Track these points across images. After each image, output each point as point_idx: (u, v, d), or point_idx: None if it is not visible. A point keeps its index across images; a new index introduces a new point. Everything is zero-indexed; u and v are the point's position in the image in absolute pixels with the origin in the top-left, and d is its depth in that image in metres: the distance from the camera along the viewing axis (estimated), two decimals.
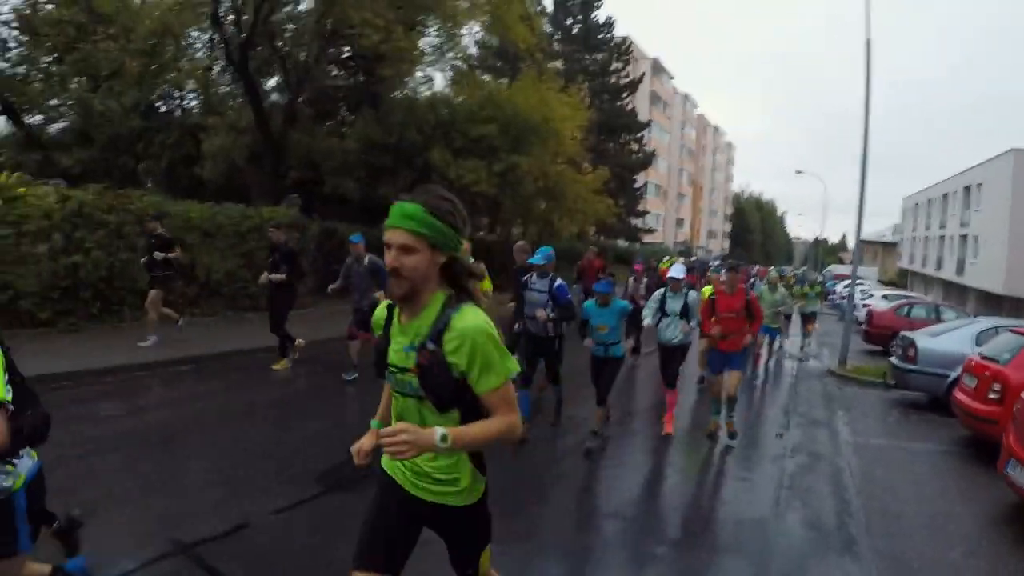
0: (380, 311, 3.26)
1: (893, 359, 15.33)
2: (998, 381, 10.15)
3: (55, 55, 22.79)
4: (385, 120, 24.28)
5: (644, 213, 60.54)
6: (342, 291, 12.13)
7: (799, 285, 22.53)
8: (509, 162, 24.34)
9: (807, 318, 21.33)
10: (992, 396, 10.16)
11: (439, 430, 2.76)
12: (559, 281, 9.51)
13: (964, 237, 49.81)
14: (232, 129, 26.27)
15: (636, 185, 54.73)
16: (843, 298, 29.58)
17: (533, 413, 9.92)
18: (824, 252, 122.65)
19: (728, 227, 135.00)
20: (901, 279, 72.62)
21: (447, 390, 2.94)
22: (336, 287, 12.11)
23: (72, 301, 13.57)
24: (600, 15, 50.51)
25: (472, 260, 11.45)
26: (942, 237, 56.59)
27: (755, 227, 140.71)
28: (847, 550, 6.69)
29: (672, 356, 10.59)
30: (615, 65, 50.84)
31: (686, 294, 10.32)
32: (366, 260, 11.69)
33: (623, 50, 51.46)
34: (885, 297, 29.17)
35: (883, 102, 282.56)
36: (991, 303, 40.99)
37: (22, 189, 13.03)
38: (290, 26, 24.98)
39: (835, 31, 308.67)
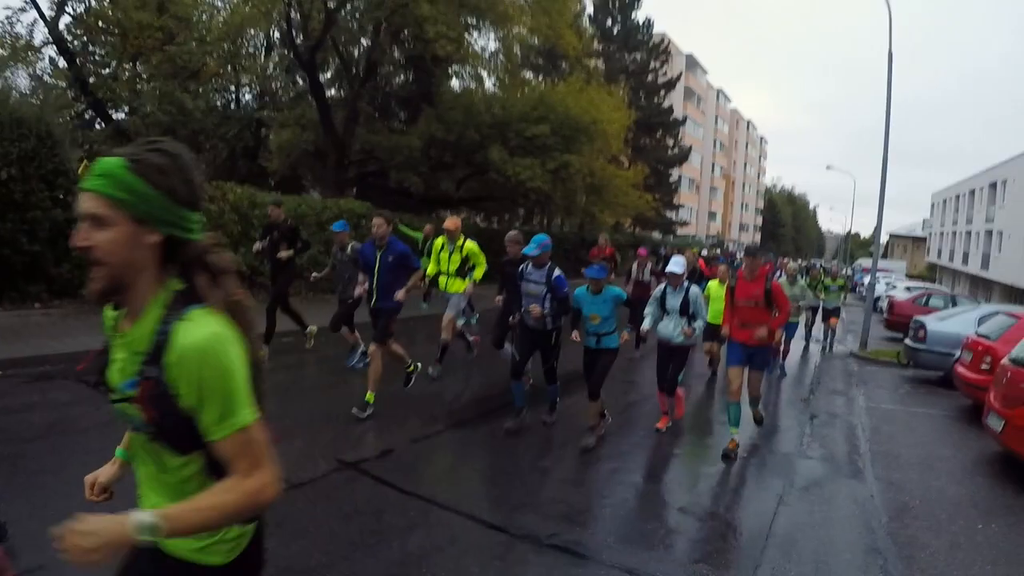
0: (107, 311, 2.37)
1: (907, 340, 17.26)
2: (988, 354, 12.03)
3: (138, 54, 24.30)
4: (445, 119, 26.17)
5: (679, 207, 62.28)
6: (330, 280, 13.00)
7: (828, 278, 20.08)
8: (561, 160, 26.21)
9: (829, 313, 19.78)
10: (983, 367, 12.02)
11: (142, 518, 1.91)
12: (557, 272, 9.14)
13: (989, 232, 50.65)
14: (296, 124, 28.25)
15: (671, 179, 56.24)
16: (872, 292, 30.79)
17: (529, 402, 9.62)
18: (855, 246, 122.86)
19: (759, 220, 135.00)
20: (930, 273, 72.91)
21: (179, 431, 2.11)
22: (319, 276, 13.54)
23: None
24: (639, 16, 52.31)
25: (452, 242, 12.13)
26: (968, 232, 57.61)
27: (786, 221, 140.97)
28: (854, 476, 8.66)
29: (671, 356, 9.91)
30: (653, 64, 52.49)
31: (687, 289, 9.64)
32: (348, 248, 11.73)
33: (661, 50, 53.07)
34: (908, 289, 30.73)
35: (931, 93, 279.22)
36: (1015, 296, 41.92)
37: None
38: (352, 26, 26.90)
39: (873, 27, 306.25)
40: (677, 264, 9.56)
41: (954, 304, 24.42)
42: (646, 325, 9.67)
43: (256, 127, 28.53)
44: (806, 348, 20.17)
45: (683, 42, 71.70)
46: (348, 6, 24.67)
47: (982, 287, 50.91)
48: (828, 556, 6.15)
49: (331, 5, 23.42)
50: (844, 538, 6.64)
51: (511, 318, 10.69)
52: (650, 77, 52.32)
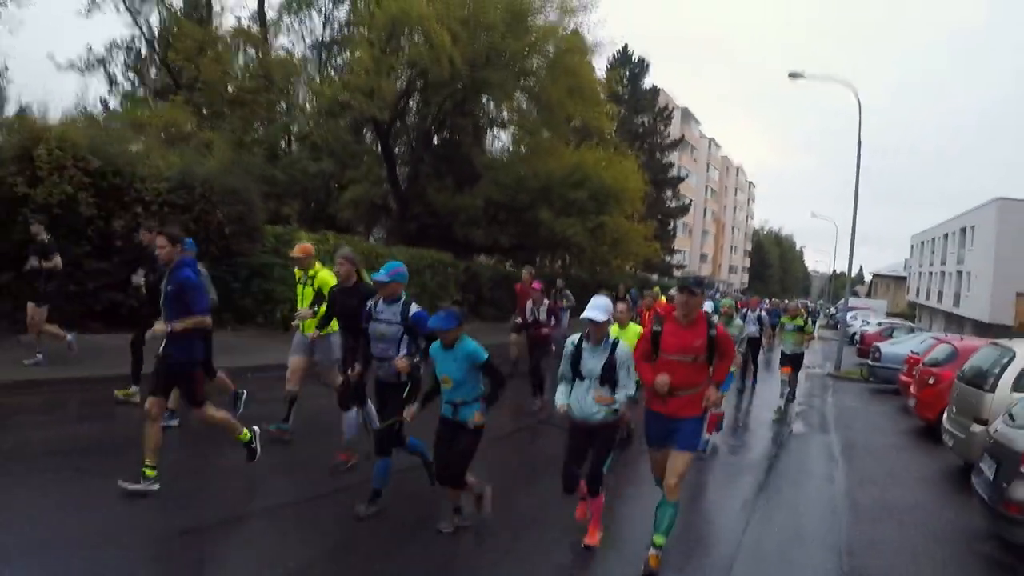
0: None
1: (868, 361, 23.16)
2: (917, 363, 17.59)
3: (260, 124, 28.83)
4: (499, 182, 32.05)
5: (677, 251, 68.46)
6: None
7: (785, 316, 18.40)
8: (598, 220, 32.23)
9: (786, 360, 16.71)
10: (913, 372, 17.54)
11: None
12: (415, 308, 7.11)
13: (960, 273, 56.15)
14: (366, 180, 34.00)
15: (669, 227, 62.01)
16: (845, 324, 35.81)
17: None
18: (839, 286, 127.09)
19: (748, 262, 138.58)
20: (910, 311, 76.98)
21: None
22: None
23: None
24: (646, 82, 58.40)
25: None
26: (943, 273, 62.85)
27: (774, 261, 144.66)
28: (823, 432, 14.50)
29: (589, 440, 6.72)
30: (659, 127, 58.95)
31: (613, 345, 6.60)
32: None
33: (665, 114, 59.64)
34: (878, 324, 36.30)
35: (926, 130, 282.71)
36: (982, 331, 45.21)
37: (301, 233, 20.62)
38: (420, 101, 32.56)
39: (862, 68, 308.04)
40: (597, 309, 6.46)
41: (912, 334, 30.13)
42: (559, 400, 6.74)
43: (328, 182, 33.61)
44: (740, 402, 17.62)
45: (676, 93, 77.05)
46: (422, 81, 29.99)
47: (955, 323, 54.56)
48: (809, 463, 11.83)
49: (415, 84, 29.21)
50: (816, 454, 12.43)
51: (347, 371, 7.98)
52: (656, 138, 58.53)
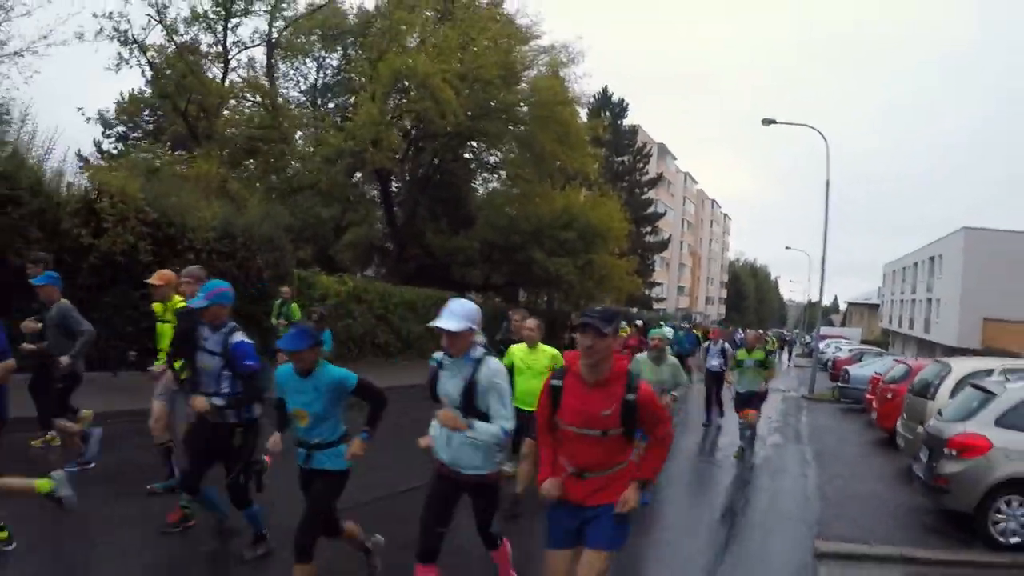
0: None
1: (838, 383, 25.18)
2: (879, 382, 19.56)
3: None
4: (493, 224, 34.29)
5: (657, 284, 70.86)
6: None
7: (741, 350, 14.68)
8: (587, 259, 34.44)
9: (743, 402, 13.94)
10: (876, 390, 19.53)
11: None
12: (238, 336, 6.16)
13: (930, 300, 58.76)
14: (365, 223, 36.12)
15: (648, 261, 63.97)
16: (818, 351, 37.69)
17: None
18: (814, 315, 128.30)
19: (724, 293, 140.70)
20: (884, 338, 78.79)
21: None
22: None
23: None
24: (625, 121, 61.14)
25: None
26: (914, 300, 65.37)
27: (749, 292, 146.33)
28: (797, 443, 16.62)
29: (457, 492, 5.26)
30: (638, 165, 61.59)
31: (477, 363, 4.99)
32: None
33: (644, 153, 62.38)
34: (850, 350, 38.29)
35: (902, 156, 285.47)
36: (950, 354, 48.13)
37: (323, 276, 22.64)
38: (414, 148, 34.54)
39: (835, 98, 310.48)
40: (448, 316, 4.82)
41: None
42: (430, 432, 5.35)
43: (335, 229, 35.41)
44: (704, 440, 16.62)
45: (652, 128, 79.07)
46: (416, 131, 32.16)
47: (927, 349, 55.71)
48: (786, 465, 13.84)
49: (412, 134, 31.25)
50: (791, 459, 14.44)
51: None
52: (636, 176, 61.04)
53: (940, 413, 10.47)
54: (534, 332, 8.82)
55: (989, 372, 13.31)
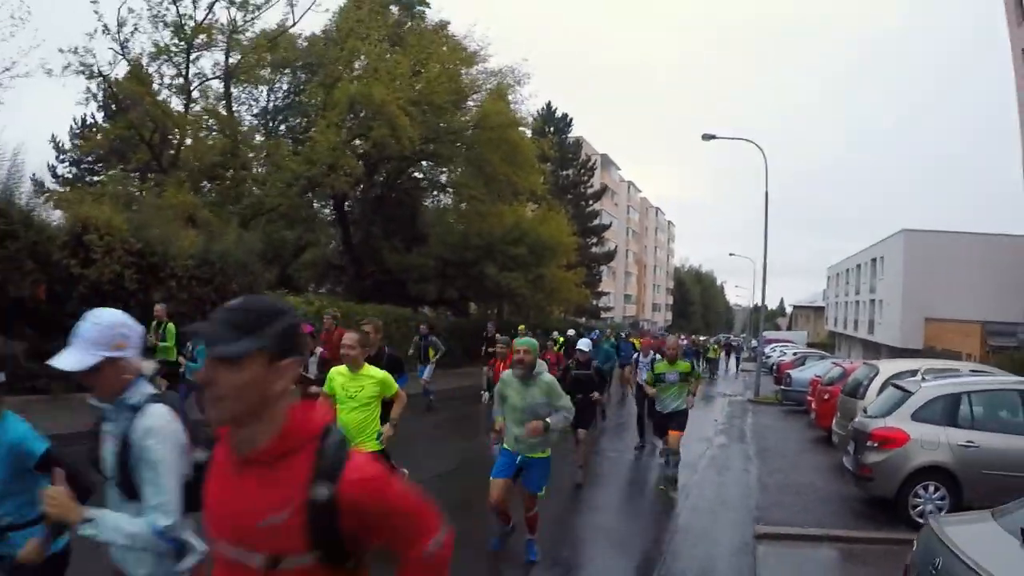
0: None
1: (781, 386, 26.58)
2: (818, 384, 20.97)
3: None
4: (446, 241, 35.53)
5: (604, 294, 72.38)
6: None
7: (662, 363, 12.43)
8: (537, 273, 35.95)
9: (665, 423, 12.06)
10: (819, 395, 20.97)
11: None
12: None
13: (873, 301, 59.94)
14: (320, 243, 37.30)
15: (595, 271, 65.27)
16: (762, 355, 39.51)
17: None
18: (759, 319, 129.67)
19: (671, 300, 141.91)
20: (830, 340, 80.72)
21: None
22: None
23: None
24: (570, 136, 62.86)
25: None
26: (858, 302, 66.63)
27: (696, 298, 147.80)
28: (742, 442, 17.90)
29: None
30: (583, 178, 62.99)
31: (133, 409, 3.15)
32: None
33: (588, 167, 63.81)
34: (794, 354, 39.83)
35: (841, 155, 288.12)
36: (895, 356, 46.66)
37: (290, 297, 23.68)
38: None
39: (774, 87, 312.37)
40: (77, 344, 3.07)
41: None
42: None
43: (293, 249, 36.36)
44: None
45: (595, 139, 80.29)
46: (371, 155, 32.96)
47: (872, 350, 56.78)
48: (730, 462, 15.13)
49: (367, 158, 32.39)
50: (735, 456, 15.76)
51: None
52: (581, 188, 62.37)
53: (865, 411, 11.84)
54: (352, 351, 7.11)
55: (914, 372, 14.73)
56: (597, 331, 22.33)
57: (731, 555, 8.64)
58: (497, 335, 19.05)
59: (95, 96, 26.77)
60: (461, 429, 17.23)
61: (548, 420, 7.28)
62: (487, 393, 10.60)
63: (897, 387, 11.42)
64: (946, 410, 10.28)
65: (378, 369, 7.32)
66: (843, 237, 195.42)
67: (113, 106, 29.59)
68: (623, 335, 32.79)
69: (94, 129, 44.83)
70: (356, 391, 7.03)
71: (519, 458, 7.46)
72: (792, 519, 10.12)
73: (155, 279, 17.57)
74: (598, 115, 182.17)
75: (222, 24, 27.67)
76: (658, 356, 13.89)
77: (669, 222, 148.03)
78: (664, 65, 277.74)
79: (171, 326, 14.27)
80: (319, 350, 15.34)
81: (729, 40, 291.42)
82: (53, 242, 16.13)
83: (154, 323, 14.41)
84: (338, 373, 7.19)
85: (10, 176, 16.82)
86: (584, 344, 12.83)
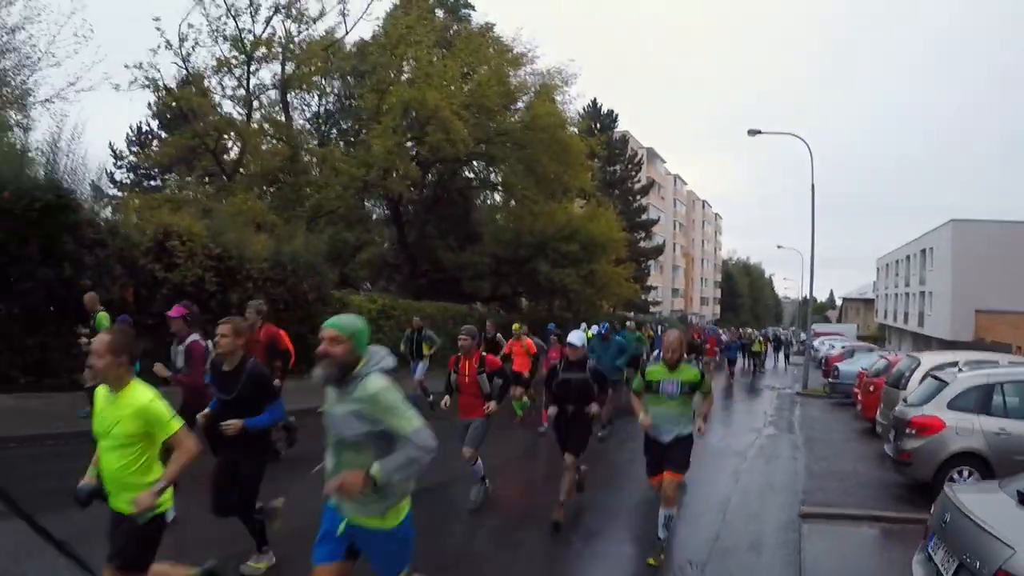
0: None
1: (829, 379, 27.24)
2: (864, 376, 21.65)
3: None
4: (500, 239, 36.75)
5: (652, 288, 73.16)
6: None
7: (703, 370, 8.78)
8: (589, 268, 36.92)
9: (661, 456, 8.21)
10: (865, 387, 21.64)
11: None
12: None
13: (923, 293, 59.43)
14: (376, 243, 38.49)
15: (643, 266, 66.26)
16: (811, 348, 38.97)
17: None
18: (812, 310, 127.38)
19: (718, 293, 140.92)
20: (880, 333, 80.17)
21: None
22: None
23: None
24: (616, 131, 63.68)
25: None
26: (907, 294, 65.82)
27: (744, 291, 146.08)
28: (790, 432, 18.66)
29: None
30: (630, 173, 63.93)
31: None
32: None
33: (636, 161, 64.80)
34: (842, 347, 40.20)
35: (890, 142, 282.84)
36: (945, 348, 46.04)
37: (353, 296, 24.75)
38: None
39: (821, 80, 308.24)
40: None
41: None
42: None
43: (352, 250, 37.52)
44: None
45: (641, 133, 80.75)
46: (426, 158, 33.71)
47: (922, 342, 55.56)
48: (779, 451, 15.93)
49: (422, 162, 33.38)
50: (784, 445, 16.55)
51: None
52: (629, 183, 63.29)
53: (905, 400, 12.60)
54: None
55: (955, 364, 15.36)
56: (606, 324, 19.48)
57: (778, 531, 9.39)
58: (498, 336, 19.18)
59: (158, 107, 28.06)
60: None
61: (376, 467, 4.04)
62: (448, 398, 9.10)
63: (935, 378, 12.11)
64: (980, 399, 10.93)
65: (146, 391, 4.84)
66: (894, 225, 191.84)
67: (168, 115, 31.00)
68: (631, 326, 29.12)
69: (150, 136, 46.94)
70: (112, 424, 4.80)
71: (342, 526, 4.39)
72: (835, 501, 10.86)
73: (233, 281, 18.78)
74: (640, 104, 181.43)
75: (280, 37, 28.88)
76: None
77: (716, 214, 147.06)
78: (707, 53, 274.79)
79: (101, 315, 13.18)
80: None
81: (772, 28, 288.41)
82: (138, 248, 17.34)
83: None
84: (100, 393, 5.01)
85: (96, 189, 18.02)
86: (576, 338, 9.29)
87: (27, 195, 14.54)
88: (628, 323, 23.78)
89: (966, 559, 4.95)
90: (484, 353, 9.86)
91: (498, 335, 19.06)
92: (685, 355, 8.23)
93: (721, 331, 46.67)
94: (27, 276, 14.54)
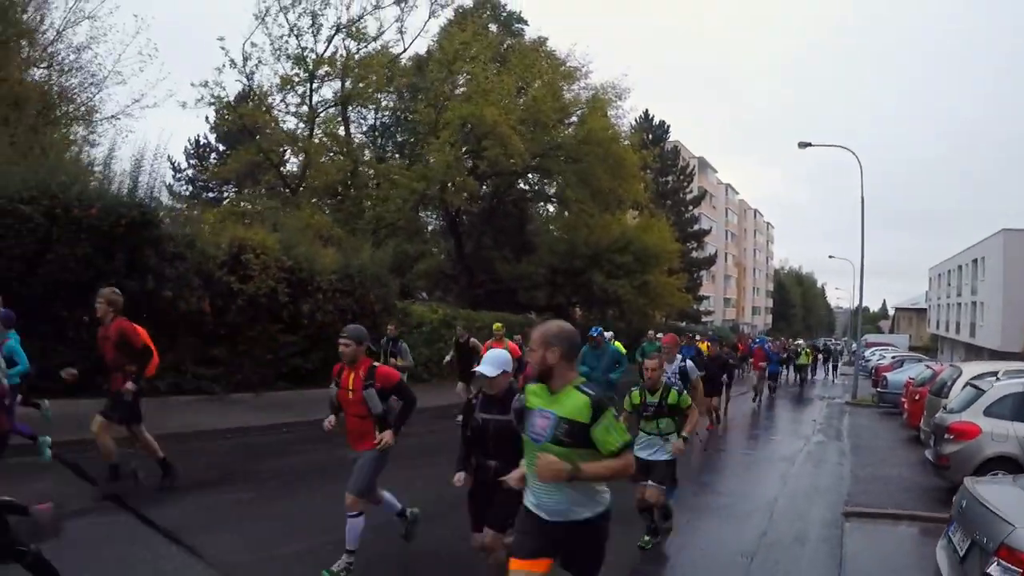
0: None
1: (877, 388, 27.72)
2: (910, 386, 22.15)
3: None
4: (555, 251, 37.74)
5: (704, 298, 73.65)
6: None
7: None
8: (642, 279, 37.67)
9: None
10: (911, 396, 22.15)
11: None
12: None
13: (975, 303, 58.94)
14: (437, 255, 39.54)
15: (695, 276, 66.57)
16: (860, 358, 40.11)
17: None
18: (864, 320, 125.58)
19: (770, 303, 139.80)
20: (932, 344, 79.47)
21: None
22: None
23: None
24: (668, 142, 64.33)
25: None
26: (959, 304, 65.37)
27: (796, 301, 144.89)
28: (838, 440, 19.28)
29: None
30: (682, 184, 64.67)
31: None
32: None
33: (688, 172, 65.49)
34: (893, 358, 40.51)
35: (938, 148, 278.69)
36: (997, 359, 44.75)
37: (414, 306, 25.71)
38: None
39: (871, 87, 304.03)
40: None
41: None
42: None
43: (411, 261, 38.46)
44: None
45: (691, 142, 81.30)
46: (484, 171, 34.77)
47: (974, 353, 54.44)
48: (826, 456, 16.59)
49: (479, 175, 34.33)
50: (831, 451, 17.22)
51: None
52: (681, 194, 64.09)
53: (944, 408, 13.25)
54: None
55: (994, 373, 15.92)
56: (599, 327, 17.30)
57: (822, 528, 10.08)
58: (472, 340, 17.53)
59: (217, 122, 29.35)
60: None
61: None
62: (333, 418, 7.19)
63: (974, 386, 12.75)
64: (1015, 406, 11.52)
65: None
66: (947, 234, 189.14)
67: (225, 129, 32.36)
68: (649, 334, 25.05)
69: (208, 150, 48.62)
70: None
71: None
72: (877, 503, 11.50)
73: (303, 292, 19.79)
74: (691, 113, 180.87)
75: (341, 55, 30.06)
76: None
77: (768, 223, 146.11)
78: (756, 62, 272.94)
79: None
80: None
81: (821, 38, 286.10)
82: (214, 261, 18.29)
83: None
84: None
85: (174, 209, 19.03)
86: (493, 362, 5.96)
87: (113, 212, 15.31)
88: (650, 332, 21.96)
89: (977, 537, 5.63)
90: (395, 360, 9.22)
91: (472, 340, 17.45)
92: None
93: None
94: None
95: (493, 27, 39.13)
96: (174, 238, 17.33)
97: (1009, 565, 4.87)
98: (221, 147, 48.78)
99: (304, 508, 9.24)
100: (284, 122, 30.40)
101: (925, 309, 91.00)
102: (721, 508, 11.19)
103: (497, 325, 16.31)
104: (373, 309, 21.45)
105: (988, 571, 5.03)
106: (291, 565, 7.09)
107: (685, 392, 8.62)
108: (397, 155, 35.65)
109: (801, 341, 55.36)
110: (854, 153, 32.66)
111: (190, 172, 49.77)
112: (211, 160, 48.60)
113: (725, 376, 16.08)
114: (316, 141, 30.72)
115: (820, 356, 51.10)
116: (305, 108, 30.28)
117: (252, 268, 18.64)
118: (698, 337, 32.95)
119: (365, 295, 21.59)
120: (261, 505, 9.44)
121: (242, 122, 29.35)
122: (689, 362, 11.08)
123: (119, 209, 15.45)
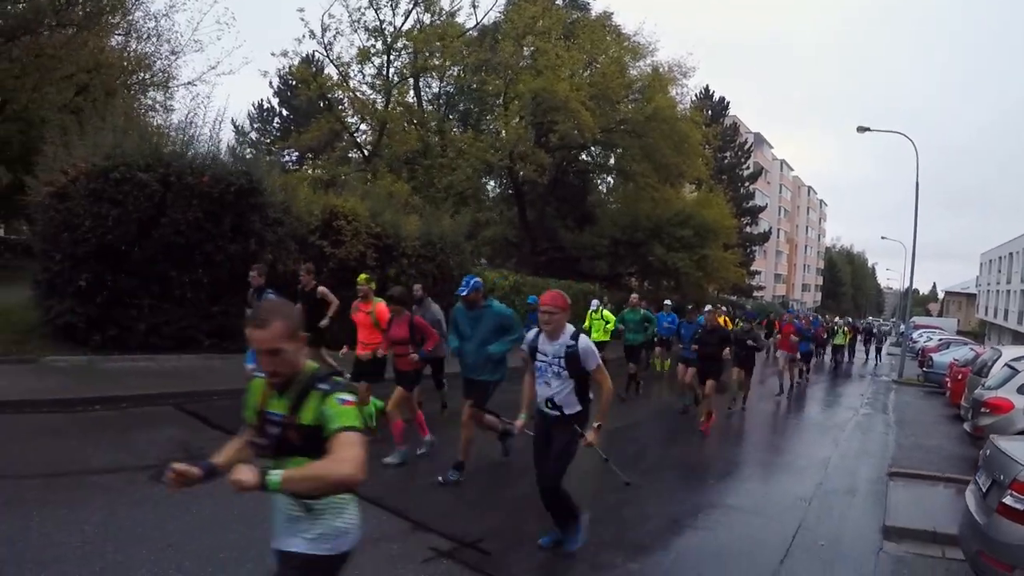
0: None
1: (923, 368, 28.80)
2: (955, 366, 23.22)
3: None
4: (618, 223, 39.16)
5: (756, 273, 74.55)
6: None
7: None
8: (702, 254, 38.97)
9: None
10: (954, 375, 23.22)
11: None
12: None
13: None
14: (501, 222, 41.07)
15: (748, 251, 67.46)
16: (908, 339, 40.73)
17: None
18: (913, 303, 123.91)
19: (820, 280, 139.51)
20: (981, 329, 79.09)
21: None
22: None
23: None
24: (726, 118, 64.62)
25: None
26: (1009, 291, 65.05)
27: (846, 279, 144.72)
28: (884, 413, 20.55)
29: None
30: (740, 160, 65.58)
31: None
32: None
33: (745, 149, 66.24)
34: (939, 340, 41.22)
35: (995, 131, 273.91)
36: None
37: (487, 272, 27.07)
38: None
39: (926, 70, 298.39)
40: None
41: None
42: None
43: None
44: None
45: (747, 117, 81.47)
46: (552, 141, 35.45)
47: (1022, 341, 53.13)
48: (872, 427, 17.91)
49: (547, 147, 35.61)
50: (877, 423, 18.58)
51: None
52: (738, 170, 64.94)
53: (983, 386, 14.52)
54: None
55: None
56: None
57: (869, 483, 11.47)
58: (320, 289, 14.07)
59: (280, 87, 30.60)
60: None
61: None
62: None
63: (1010, 367, 14.04)
64: None
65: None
66: (1001, 219, 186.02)
67: (288, 95, 33.56)
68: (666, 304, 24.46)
69: (271, 114, 50.19)
70: None
71: None
72: (918, 466, 12.80)
73: (390, 258, 21.11)
74: (748, 88, 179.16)
75: (416, 27, 31.46)
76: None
77: (821, 201, 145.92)
78: (814, 38, 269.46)
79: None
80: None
81: (877, 15, 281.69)
82: (307, 227, 19.60)
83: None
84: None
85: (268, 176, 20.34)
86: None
87: (223, 179, 16.43)
88: (633, 297, 19.99)
89: (996, 476, 6.88)
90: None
91: (320, 288, 14.19)
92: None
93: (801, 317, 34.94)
94: (220, 251, 16.57)
95: (560, 1, 39.92)
96: (274, 204, 18.63)
97: (1020, 495, 6.20)
98: (284, 111, 50.55)
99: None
100: (363, 92, 31.77)
101: (975, 294, 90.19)
102: (783, 464, 12.84)
103: (363, 276, 11.57)
104: (452, 274, 22.73)
105: (1004, 501, 6.35)
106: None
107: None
108: (460, 124, 37.08)
109: (839, 319, 50.81)
110: (911, 139, 33.27)
111: (253, 135, 51.05)
112: (274, 124, 50.20)
113: (727, 351, 14.24)
114: (392, 111, 32.02)
115: (861, 337, 46.77)
116: (381, 80, 31.58)
117: (344, 234, 19.89)
118: (723, 308, 31.89)
119: (445, 261, 23.01)
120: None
121: (321, 91, 30.70)
122: (583, 341, 6.78)
123: (228, 177, 16.52)
